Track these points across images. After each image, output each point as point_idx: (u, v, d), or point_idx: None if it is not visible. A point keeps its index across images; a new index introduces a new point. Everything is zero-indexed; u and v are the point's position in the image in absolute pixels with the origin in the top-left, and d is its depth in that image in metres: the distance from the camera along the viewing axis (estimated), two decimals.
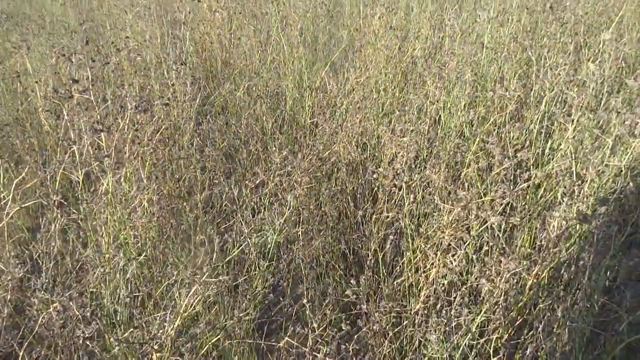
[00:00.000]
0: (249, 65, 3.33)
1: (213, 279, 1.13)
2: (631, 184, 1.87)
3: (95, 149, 1.75)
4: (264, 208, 1.53)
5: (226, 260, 1.43)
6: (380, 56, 2.79)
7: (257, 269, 1.41)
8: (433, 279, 1.27)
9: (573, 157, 1.43)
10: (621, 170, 1.44)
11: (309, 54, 3.22)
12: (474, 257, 1.29)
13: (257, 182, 1.79)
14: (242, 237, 1.43)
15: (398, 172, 1.38)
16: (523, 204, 1.92)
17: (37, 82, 2.61)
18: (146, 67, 3.20)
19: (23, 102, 2.84)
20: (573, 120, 1.49)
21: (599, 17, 2.93)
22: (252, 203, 1.62)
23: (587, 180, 1.30)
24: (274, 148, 1.83)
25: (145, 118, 2.10)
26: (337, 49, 3.16)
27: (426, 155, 2.11)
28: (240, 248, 1.43)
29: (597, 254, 1.41)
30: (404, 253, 1.53)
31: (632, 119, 1.17)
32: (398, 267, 1.67)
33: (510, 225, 1.85)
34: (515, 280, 1.27)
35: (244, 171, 2.29)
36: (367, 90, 2.53)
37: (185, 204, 1.99)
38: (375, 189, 1.79)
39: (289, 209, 1.39)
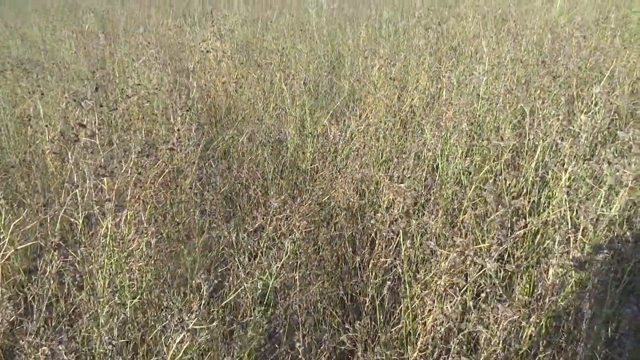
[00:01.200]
0: (252, 112, 3.43)
1: (203, 325, 1.12)
2: (628, 232, 1.88)
3: (98, 192, 1.78)
4: (261, 252, 1.54)
5: (221, 305, 1.42)
6: (380, 105, 2.88)
7: (252, 314, 1.40)
8: (430, 326, 1.26)
9: (567, 206, 1.45)
10: (616, 219, 1.45)
11: (311, 102, 3.31)
12: (471, 304, 1.28)
13: (256, 226, 1.80)
14: (238, 282, 1.42)
15: (395, 218, 1.40)
16: (521, 251, 1.92)
17: (46, 125, 2.68)
18: (153, 113, 3.30)
19: (31, 145, 2.91)
20: (566, 170, 1.52)
21: (591, 72, 3.03)
22: (250, 247, 1.63)
23: (580, 229, 1.31)
24: (272, 192, 1.86)
25: (149, 162, 2.15)
26: (338, 98, 3.25)
27: (424, 202, 2.13)
28: (236, 292, 1.43)
29: (595, 303, 1.40)
30: (402, 299, 1.52)
31: (620, 169, 1.19)
32: (395, 314, 1.65)
33: (509, 272, 1.84)
34: (513, 329, 1.26)
35: (243, 215, 2.31)
36: (367, 138, 2.59)
37: (183, 247, 2.00)
38: (373, 234, 1.80)
39: (286, 254, 1.39)
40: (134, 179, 1.93)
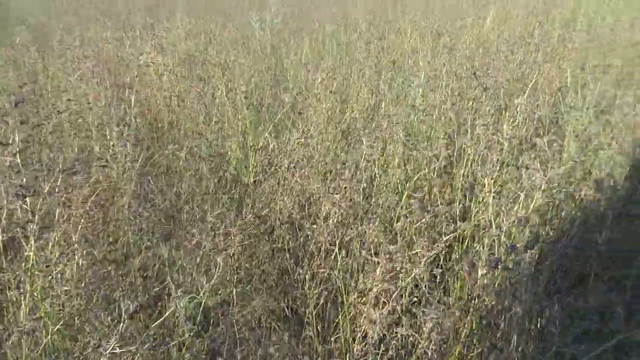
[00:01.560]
0: (194, 127, 3.38)
1: (129, 348, 1.08)
2: (551, 232, 2.01)
3: (24, 213, 1.69)
4: (197, 270, 1.51)
5: (153, 326, 1.38)
6: (321, 118, 2.93)
7: (187, 334, 1.37)
8: (364, 334, 1.28)
9: (492, 211, 1.53)
10: (536, 221, 1.55)
11: (253, 115, 3.31)
12: (399, 308, 1.32)
13: (194, 242, 1.77)
14: (172, 302, 1.39)
15: (330, 229, 1.42)
16: (456, 255, 2.01)
17: None
18: (87, 129, 3.17)
19: None
20: (491, 177, 1.61)
21: (517, 84, 3.23)
22: (187, 265, 1.59)
23: (502, 231, 1.39)
24: (206, 208, 1.84)
25: (79, 180, 2.06)
26: (280, 111, 3.27)
27: (365, 212, 2.18)
28: (170, 312, 1.39)
29: (518, 300, 1.48)
30: (339, 309, 1.54)
31: (531, 173, 1.28)
32: (337, 324, 1.66)
33: (445, 276, 1.91)
34: (444, 330, 1.30)
35: (184, 233, 2.26)
36: (308, 150, 2.62)
37: (118, 268, 1.92)
38: (312, 246, 1.82)
39: (218, 270, 1.38)
40: (62, 198, 1.84)
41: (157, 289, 1.63)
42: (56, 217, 1.74)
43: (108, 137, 2.81)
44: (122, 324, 1.06)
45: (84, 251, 1.59)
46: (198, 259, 1.55)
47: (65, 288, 1.42)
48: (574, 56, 3.69)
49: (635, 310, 1.67)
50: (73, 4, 10.20)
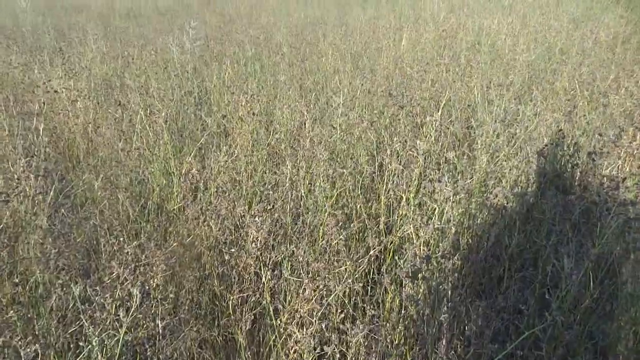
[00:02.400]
0: (112, 154, 3.22)
1: None
2: (470, 240, 2.14)
3: None
4: (114, 306, 1.42)
5: None
6: (246, 140, 2.92)
7: None
8: (293, 355, 1.28)
9: (412, 224, 1.61)
10: (450, 230, 1.65)
11: (176, 140, 3.23)
12: (323, 326, 1.34)
13: (113, 276, 1.67)
14: (88, 341, 1.30)
15: (254, 251, 1.41)
16: (385, 267, 2.07)
17: None
18: None
19: None
20: (408, 190, 1.69)
21: (431, 101, 3.45)
22: (104, 301, 1.50)
23: (421, 242, 1.46)
24: (124, 239, 1.75)
25: None
26: (203, 135, 3.22)
27: (293, 232, 2.18)
28: (84, 353, 1.30)
29: (448, 308, 1.56)
30: (269, 332, 1.52)
31: (436, 187, 1.37)
32: (269, 348, 1.64)
33: (377, 290, 1.96)
34: (373, 343, 1.33)
35: (102, 267, 2.13)
36: (234, 173, 2.59)
37: (30, 311, 1.76)
38: (241, 269, 1.79)
39: (135, 303, 1.31)
40: None
41: (73, 329, 1.51)
42: None
43: (12, 169, 2.60)
44: None
45: None
46: (116, 293, 1.46)
47: None
48: (480, 75, 4.01)
49: (544, 307, 1.81)
50: None
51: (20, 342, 1.07)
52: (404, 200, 1.72)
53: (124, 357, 1.51)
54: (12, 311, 1.46)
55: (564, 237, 1.88)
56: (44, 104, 3.61)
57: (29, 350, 1.03)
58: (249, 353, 1.65)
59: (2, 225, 1.92)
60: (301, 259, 1.69)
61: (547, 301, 1.89)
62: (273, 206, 1.96)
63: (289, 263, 1.87)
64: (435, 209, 1.72)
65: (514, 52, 4.84)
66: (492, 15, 6.45)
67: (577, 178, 2.52)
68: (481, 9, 7.59)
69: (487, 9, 7.63)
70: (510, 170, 2.24)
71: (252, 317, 1.64)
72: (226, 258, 1.73)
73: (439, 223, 1.54)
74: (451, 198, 1.44)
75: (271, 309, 1.48)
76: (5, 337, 1.29)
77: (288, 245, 1.96)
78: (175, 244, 1.95)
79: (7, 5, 11.57)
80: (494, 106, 3.20)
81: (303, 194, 2.15)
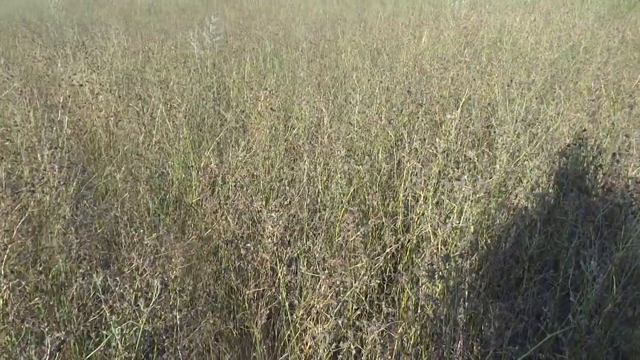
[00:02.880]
0: (133, 147, 3.27)
1: None
2: (488, 240, 2.11)
3: None
4: (135, 296, 1.45)
5: (88, 356, 1.30)
6: (263, 136, 2.93)
7: None
8: (309, 350, 1.28)
9: (430, 222, 1.59)
10: (469, 229, 1.63)
11: (195, 134, 3.26)
12: (340, 322, 1.34)
13: (133, 267, 1.70)
14: (109, 330, 1.32)
15: (271, 247, 1.42)
16: (401, 266, 2.06)
17: None
18: (16, 152, 2.98)
19: None
20: (427, 189, 1.67)
21: (450, 99, 3.41)
22: (124, 292, 1.52)
23: (439, 241, 1.45)
24: (144, 231, 1.78)
25: (4, 207, 1.92)
26: (222, 130, 3.24)
27: (310, 227, 2.19)
28: (106, 340, 1.32)
29: (464, 309, 1.54)
30: (285, 327, 1.53)
31: (455, 185, 1.35)
32: (284, 342, 1.65)
33: (392, 288, 1.96)
34: (387, 341, 1.33)
35: (122, 258, 2.16)
36: (252, 168, 2.61)
37: (52, 299, 1.81)
38: (257, 264, 1.80)
39: (156, 294, 1.33)
40: None
41: (93, 318, 1.54)
42: None
43: (38, 160, 2.66)
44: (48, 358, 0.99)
45: (10, 283, 1.48)
46: (137, 284, 1.48)
47: None
48: (501, 73, 3.95)
49: (564, 310, 1.78)
50: None
51: (46, 329, 1.10)
52: (422, 198, 1.71)
53: (141, 347, 1.54)
54: (37, 298, 1.49)
55: (587, 240, 1.84)
56: (69, 97, 3.68)
57: (53, 337, 1.05)
58: (263, 347, 1.66)
59: (27, 215, 1.96)
60: (317, 254, 1.69)
61: (567, 304, 1.86)
62: (290, 202, 1.97)
63: (305, 259, 1.88)
64: (454, 207, 1.70)
65: (536, 50, 4.75)
66: (514, 13, 6.35)
67: (600, 180, 2.47)
68: (503, 6, 7.46)
69: (510, 6, 7.50)
70: (531, 170, 2.20)
71: (268, 311, 1.65)
72: (242, 253, 1.74)
73: (458, 222, 1.52)
74: (471, 197, 1.42)
75: (287, 304, 1.49)
76: (30, 324, 1.33)
77: (304, 241, 1.97)
78: (193, 237, 1.97)
79: (33, 1, 11.82)
80: (515, 105, 3.15)
81: (320, 190, 2.15)
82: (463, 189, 1.41)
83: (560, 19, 5.92)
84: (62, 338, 1.07)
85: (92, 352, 1.30)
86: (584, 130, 2.81)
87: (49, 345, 1.01)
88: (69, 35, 7.15)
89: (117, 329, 1.23)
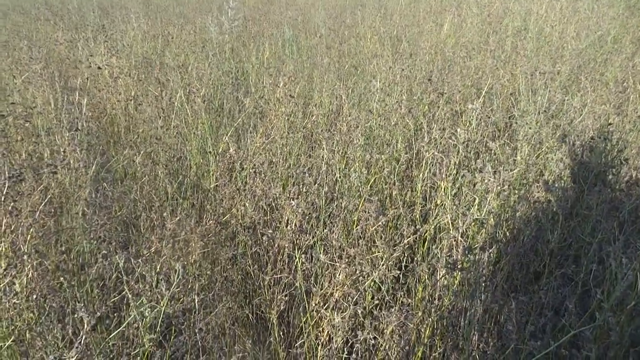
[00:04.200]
0: (151, 131, 3.29)
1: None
2: (507, 233, 2.08)
3: None
4: (155, 279, 1.46)
5: (110, 337, 1.33)
6: (282, 122, 2.92)
7: (145, 344, 1.33)
8: (327, 339, 1.28)
9: (449, 213, 1.57)
10: (489, 222, 1.60)
11: (213, 119, 3.26)
12: (360, 312, 1.33)
13: (152, 250, 1.72)
14: (129, 311, 1.34)
15: (289, 234, 1.41)
16: (418, 256, 2.04)
17: None
18: (36, 134, 3.03)
19: None
20: (447, 180, 1.65)
21: (472, 89, 3.34)
22: (146, 274, 1.54)
23: (459, 233, 1.43)
24: (165, 214, 1.79)
25: (27, 187, 1.96)
26: (241, 115, 3.24)
27: (327, 215, 2.18)
28: (127, 322, 1.34)
29: (480, 301, 1.53)
30: (302, 314, 1.53)
31: (482, 177, 1.33)
32: (299, 329, 1.66)
33: (407, 278, 1.95)
34: (404, 332, 1.32)
35: (142, 240, 2.19)
36: (270, 154, 2.60)
37: (73, 279, 1.84)
38: (274, 251, 1.81)
39: (177, 276, 1.34)
40: (10, 207, 1.75)
41: (115, 298, 1.56)
42: (3, 227, 1.65)
43: (58, 142, 2.69)
44: (83, 336, 1.01)
45: (34, 262, 1.51)
46: (158, 267, 1.50)
47: (15, 301, 1.35)
48: (526, 63, 3.85)
49: (587, 306, 1.75)
50: (22, 2, 9.75)
51: (70, 308, 1.12)
52: (443, 189, 1.68)
53: (158, 329, 1.56)
54: (62, 278, 1.52)
55: (610, 235, 1.80)
56: (87, 79, 3.71)
57: (78, 315, 1.07)
58: (280, 333, 1.67)
59: (50, 196, 1.99)
60: (335, 242, 1.69)
61: (586, 300, 1.83)
62: (308, 189, 1.96)
63: (322, 247, 1.87)
64: (474, 199, 1.68)
65: (562, 39, 4.62)
66: (540, 0, 6.17)
67: (625, 174, 2.41)
68: None
69: None
70: (555, 162, 2.15)
71: (286, 297, 1.66)
72: (263, 239, 1.74)
73: (479, 214, 1.50)
74: (494, 189, 1.40)
75: (304, 291, 1.49)
76: (53, 303, 1.36)
77: (322, 229, 1.97)
78: (211, 221, 1.98)
79: None
80: (538, 96, 3.08)
81: (338, 178, 2.14)
82: (486, 181, 1.39)
83: (589, 7, 5.74)
84: (96, 316, 1.08)
85: (114, 332, 1.32)
86: (610, 123, 2.73)
87: (87, 325, 1.03)
88: (90, 18, 7.19)
89: (139, 310, 1.25)
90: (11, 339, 1.30)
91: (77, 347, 0.99)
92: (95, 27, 6.21)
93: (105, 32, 5.62)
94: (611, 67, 3.90)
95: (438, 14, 6.12)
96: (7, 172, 1.64)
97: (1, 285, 1.37)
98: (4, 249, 1.56)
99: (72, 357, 0.99)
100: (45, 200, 2.03)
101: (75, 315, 1.17)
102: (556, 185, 2.15)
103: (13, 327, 1.42)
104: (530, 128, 2.55)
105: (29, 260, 1.59)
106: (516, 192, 2.11)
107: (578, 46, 4.32)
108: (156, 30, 6.17)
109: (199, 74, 4.02)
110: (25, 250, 1.63)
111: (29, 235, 1.75)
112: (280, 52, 5.10)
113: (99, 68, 4.14)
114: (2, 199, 1.65)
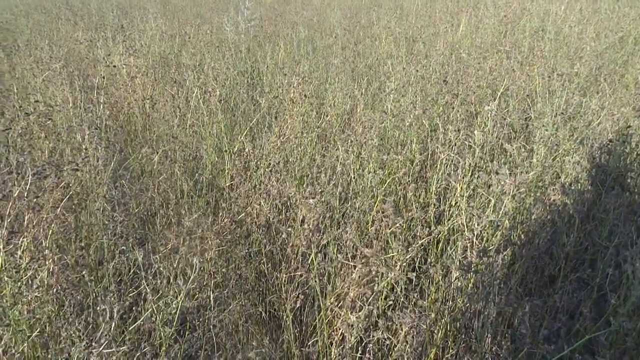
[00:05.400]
0: (168, 129, 3.34)
1: (113, 349, 1.06)
2: (522, 235, 2.07)
3: None
4: (173, 274, 1.49)
5: (129, 330, 1.36)
6: (297, 122, 2.94)
7: (162, 339, 1.35)
8: (340, 338, 1.30)
9: (465, 215, 1.57)
10: (505, 224, 1.60)
11: (228, 119, 3.29)
12: (376, 312, 1.34)
13: (169, 247, 1.75)
14: (147, 306, 1.37)
15: (304, 232, 1.43)
16: (432, 257, 2.04)
17: None
18: (57, 132, 3.10)
19: None
20: (463, 181, 1.65)
21: (487, 90, 3.32)
22: (163, 270, 1.57)
23: (474, 235, 1.43)
24: (182, 212, 1.82)
25: (50, 184, 2.01)
26: (256, 115, 3.27)
27: (341, 215, 2.19)
28: (145, 316, 1.37)
29: (494, 304, 1.53)
30: (316, 313, 1.54)
31: (499, 179, 1.33)
32: (313, 327, 1.67)
33: (421, 279, 1.95)
34: (418, 332, 1.33)
35: (158, 237, 2.23)
36: (284, 154, 2.62)
37: (91, 273, 1.88)
38: (289, 249, 1.82)
39: (194, 272, 1.37)
40: (33, 202, 1.80)
41: (133, 293, 1.60)
42: (26, 222, 1.69)
43: (79, 139, 2.75)
44: (107, 326, 1.04)
45: (55, 256, 1.55)
46: (175, 263, 1.53)
47: (36, 294, 1.39)
48: (543, 64, 3.81)
49: (602, 311, 1.74)
50: (44, 2, 9.94)
51: (90, 301, 1.15)
52: (458, 190, 1.68)
53: (175, 323, 1.59)
54: (84, 272, 1.55)
55: (627, 239, 1.78)
56: (103, 78, 3.77)
57: (100, 308, 1.10)
58: (295, 331, 1.69)
59: (70, 192, 2.04)
60: (349, 242, 1.70)
61: (602, 305, 1.81)
62: (322, 189, 1.97)
63: (336, 246, 1.89)
64: (490, 201, 1.67)
65: (581, 40, 4.56)
66: (559, 0, 6.10)
67: None
68: None
69: None
70: (570, 165, 2.14)
71: (301, 296, 1.68)
72: (283, 237, 1.76)
73: (494, 216, 1.49)
74: (510, 192, 1.40)
75: (318, 290, 1.50)
76: (72, 297, 1.39)
77: (336, 229, 1.98)
78: (226, 219, 2.01)
79: None
80: (555, 97, 3.05)
81: (353, 178, 2.15)
82: (502, 183, 1.38)
83: (609, 8, 5.65)
84: (117, 308, 1.11)
85: (134, 325, 1.35)
86: (629, 126, 2.69)
87: (115, 313, 1.06)
88: (109, 18, 7.31)
89: (157, 305, 1.28)
90: (36, 331, 1.34)
91: (105, 335, 1.01)
92: (115, 26, 6.31)
93: (124, 31, 5.71)
94: (632, 69, 3.84)
95: (454, 14, 6.08)
96: (30, 169, 1.68)
97: (24, 279, 1.41)
98: (26, 243, 1.61)
99: (99, 346, 1.02)
100: (66, 197, 2.08)
101: (98, 308, 1.20)
102: (573, 188, 2.13)
103: (34, 319, 1.46)
104: (547, 130, 2.53)
105: (50, 255, 1.64)
106: (532, 194, 2.10)
107: (598, 47, 4.26)
108: (173, 30, 6.25)
109: (214, 73, 4.07)
110: (47, 245, 1.68)
111: (50, 231, 1.80)
112: (295, 52, 5.12)
113: (114, 66, 4.21)
114: (25, 194, 1.70)
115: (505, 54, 4.01)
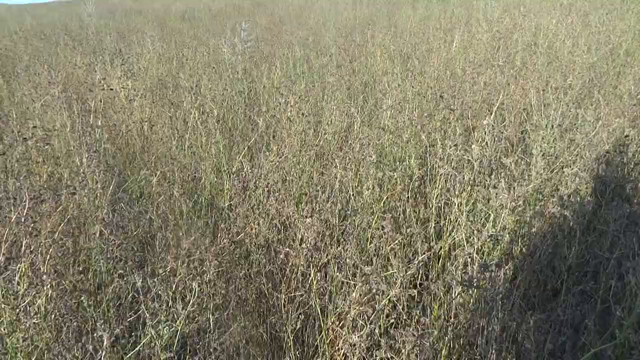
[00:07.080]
0: (166, 151, 3.35)
1: None
2: (523, 249, 2.06)
3: None
4: (171, 298, 1.48)
5: (129, 355, 1.33)
6: (294, 140, 2.95)
7: None
8: (345, 358, 1.28)
9: (464, 230, 1.57)
10: (504, 237, 1.59)
11: (227, 139, 3.31)
12: (377, 330, 1.33)
13: (168, 269, 1.73)
14: (145, 330, 1.35)
15: (303, 251, 1.42)
16: (433, 273, 2.03)
17: None
18: (55, 156, 3.10)
19: None
20: (461, 196, 1.65)
21: (483, 105, 3.34)
22: (162, 293, 1.56)
23: (474, 249, 1.42)
24: (181, 234, 1.81)
25: (47, 208, 2.00)
26: (253, 134, 3.28)
27: (341, 233, 2.18)
28: (143, 342, 1.35)
29: (497, 319, 1.51)
30: (317, 333, 1.52)
31: (496, 193, 1.32)
32: (315, 348, 1.65)
33: (422, 296, 1.93)
34: (421, 350, 1.31)
35: (157, 260, 2.21)
36: (283, 173, 2.62)
37: (90, 298, 1.86)
38: (288, 269, 1.81)
39: (194, 296, 1.35)
40: (30, 227, 1.79)
41: (131, 318, 1.58)
42: (23, 248, 1.68)
43: (77, 163, 2.75)
44: (101, 352, 1.02)
45: (54, 282, 1.53)
46: (173, 286, 1.51)
47: (34, 321, 1.37)
48: (536, 77, 3.85)
49: (606, 323, 1.72)
50: (43, 28, 10.06)
51: (89, 327, 1.13)
52: (456, 205, 1.68)
53: (174, 348, 1.57)
54: (83, 297, 1.54)
55: (629, 251, 1.77)
56: (101, 101, 3.80)
57: (97, 334, 1.09)
58: (296, 352, 1.66)
59: (68, 217, 2.03)
60: (349, 260, 1.69)
61: (606, 317, 1.79)
62: (321, 207, 1.97)
63: (336, 265, 1.87)
64: (489, 215, 1.67)
65: (573, 53, 4.62)
66: (549, 15, 6.19)
67: None
68: (538, 8, 7.29)
69: (545, 8, 7.32)
70: (569, 177, 2.14)
71: (301, 316, 1.66)
72: (281, 257, 1.75)
73: (494, 230, 1.49)
74: (508, 205, 1.39)
75: (319, 310, 1.49)
76: (70, 323, 1.37)
77: (335, 247, 1.97)
78: (225, 240, 2.00)
79: (74, 11, 12.28)
80: (550, 110, 3.07)
81: (351, 196, 2.14)
82: (500, 197, 1.38)
83: (599, 21, 5.74)
84: (113, 335, 1.10)
85: (131, 352, 1.33)
86: (626, 136, 2.70)
87: (105, 341, 1.04)
88: (107, 42, 7.39)
89: (156, 329, 1.26)
90: (34, 359, 1.32)
91: None
92: (112, 50, 6.38)
93: (122, 55, 5.77)
94: (624, 79, 3.87)
95: (448, 30, 6.17)
96: (27, 194, 1.67)
97: (22, 305, 1.39)
98: (24, 269, 1.59)
99: None
100: (64, 221, 2.07)
101: (95, 335, 1.18)
102: (572, 200, 2.12)
103: (33, 346, 1.43)
104: (544, 142, 2.54)
105: (48, 280, 1.62)
106: (531, 207, 2.09)
107: (589, 60, 4.31)
108: (171, 53, 6.32)
109: (212, 94, 4.10)
110: (45, 271, 1.66)
111: (48, 256, 1.79)
112: (291, 71, 5.17)
113: (110, 89, 4.24)
114: (23, 220, 1.69)
115: (499, 69, 4.05)
